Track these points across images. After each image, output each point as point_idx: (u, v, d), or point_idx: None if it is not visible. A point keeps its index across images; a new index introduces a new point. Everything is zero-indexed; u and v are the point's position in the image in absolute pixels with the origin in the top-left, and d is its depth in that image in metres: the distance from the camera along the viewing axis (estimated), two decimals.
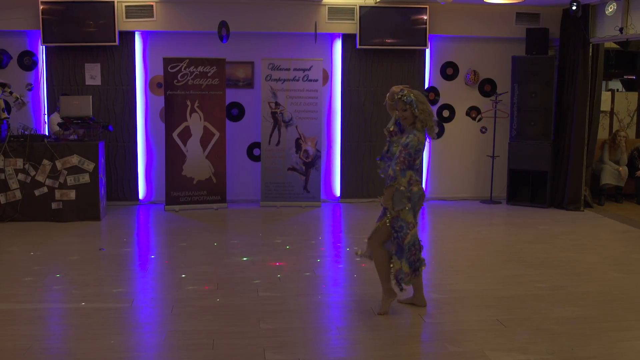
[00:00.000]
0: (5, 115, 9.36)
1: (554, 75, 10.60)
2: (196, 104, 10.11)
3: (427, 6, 10.56)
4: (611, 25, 9.68)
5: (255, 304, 5.64)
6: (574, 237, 8.68)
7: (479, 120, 11.34)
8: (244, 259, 7.18)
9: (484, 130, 11.35)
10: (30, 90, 10.34)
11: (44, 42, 10.02)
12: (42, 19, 9.88)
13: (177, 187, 10.17)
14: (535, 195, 10.85)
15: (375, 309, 5.56)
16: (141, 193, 10.75)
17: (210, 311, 5.48)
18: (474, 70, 11.19)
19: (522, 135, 10.76)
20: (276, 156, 10.35)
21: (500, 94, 11.01)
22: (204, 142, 10.22)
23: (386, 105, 5.64)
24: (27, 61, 10.30)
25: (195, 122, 10.15)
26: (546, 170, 10.63)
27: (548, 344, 4.80)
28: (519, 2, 9.48)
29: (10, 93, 9.38)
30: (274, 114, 10.38)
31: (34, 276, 6.52)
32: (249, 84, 10.73)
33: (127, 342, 4.88)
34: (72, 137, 9.29)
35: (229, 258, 7.18)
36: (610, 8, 9.57)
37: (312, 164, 10.51)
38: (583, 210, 10.44)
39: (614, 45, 11.69)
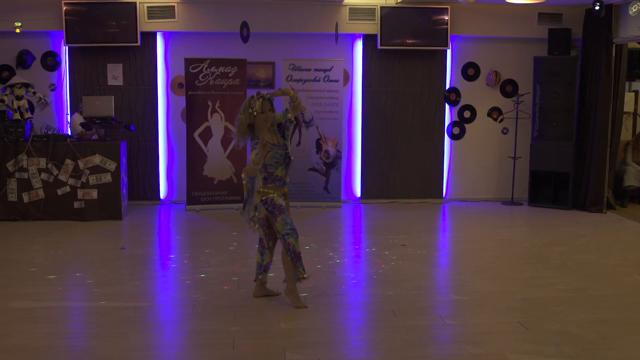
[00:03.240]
0: (28, 115, 9.46)
1: (576, 76, 10.53)
2: (217, 104, 10.15)
3: (449, 6, 10.52)
4: (635, 26, 9.58)
5: (276, 304, 5.65)
6: (596, 239, 8.61)
7: (501, 121, 11.28)
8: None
9: (505, 131, 11.29)
10: (53, 90, 10.43)
11: (67, 42, 10.11)
12: (65, 19, 9.97)
13: (198, 187, 10.21)
14: (557, 196, 10.77)
15: (395, 310, 5.54)
16: (162, 193, 10.81)
17: (230, 311, 5.50)
18: (496, 71, 11.13)
19: (544, 136, 10.69)
20: (297, 157, 10.33)
21: (522, 95, 10.94)
22: (225, 142, 10.25)
23: (255, 120, 5.49)
24: (50, 61, 10.40)
25: (216, 123, 10.19)
26: (568, 171, 10.56)
27: (569, 347, 4.76)
28: (541, 2, 9.42)
29: (34, 93, 9.49)
30: None
31: (56, 274, 6.57)
32: (269, 84, 10.74)
33: (148, 341, 4.90)
34: (94, 137, 9.36)
35: (249, 258, 7.19)
36: (634, 8, 9.47)
37: (332, 164, 10.51)
38: (605, 212, 10.35)
39: (638, 46, 11.57)
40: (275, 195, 5.57)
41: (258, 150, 5.33)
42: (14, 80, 9.40)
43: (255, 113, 5.39)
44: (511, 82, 11.21)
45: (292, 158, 5.65)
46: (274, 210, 5.56)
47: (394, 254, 7.57)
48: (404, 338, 4.93)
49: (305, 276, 5.61)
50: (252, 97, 5.47)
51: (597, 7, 9.38)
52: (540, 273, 6.81)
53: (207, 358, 4.55)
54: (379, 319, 5.44)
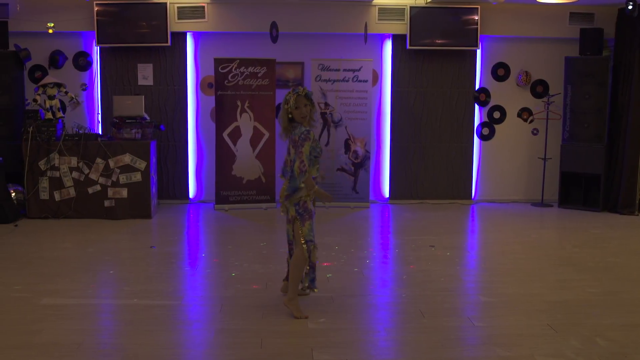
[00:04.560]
0: (60, 114, 9.58)
1: (608, 76, 10.41)
2: (246, 104, 10.19)
3: (479, 6, 10.46)
4: None
5: (304, 304, 5.64)
6: (627, 242, 8.50)
7: (531, 121, 11.19)
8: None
9: (535, 132, 11.20)
10: (84, 90, 10.55)
11: (98, 42, 10.23)
12: (97, 20, 10.08)
13: (226, 187, 10.26)
14: (587, 198, 10.66)
15: (424, 311, 5.52)
16: (191, 192, 10.88)
17: (258, 310, 5.51)
18: (526, 71, 11.05)
19: (574, 137, 10.59)
20: (325, 157, 10.34)
21: (552, 95, 10.85)
22: (254, 142, 10.29)
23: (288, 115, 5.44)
24: (82, 61, 10.52)
25: (246, 122, 10.23)
26: (599, 173, 10.44)
27: (600, 351, 4.70)
28: (572, 2, 9.32)
29: (66, 93, 9.61)
30: (323, 114, 10.39)
31: (87, 272, 6.64)
32: (299, 84, 10.76)
33: (177, 339, 4.93)
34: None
35: (278, 257, 7.21)
36: None
37: (361, 164, 10.50)
38: (637, 214, 10.23)
39: None
40: (308, 199, 5.45)
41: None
42: (47, 80, 9.52)
43: (289, 109, 5.36)
44: (542, 83, 11.12)
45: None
46: (304, 214, 5.42)
47: (422, 254, 7.54)
48: (432, 339, 4.91)
49: (314, 289, 5.60)
50: (289, 92, 5.44)
51: (630, 7, 9.26)
52: (571, 275, 6.74)
53: (235, 357, 4.57)
54: (406, 320, 5.42)
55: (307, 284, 5.58)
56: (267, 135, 10.27)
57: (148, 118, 9.90)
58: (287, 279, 5.82)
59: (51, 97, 9.44)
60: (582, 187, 10.67)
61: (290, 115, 5.41)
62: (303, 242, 5.40)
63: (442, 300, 5.89)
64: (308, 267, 5.50)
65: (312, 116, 5.51)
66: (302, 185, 5.35)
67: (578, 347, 4.76)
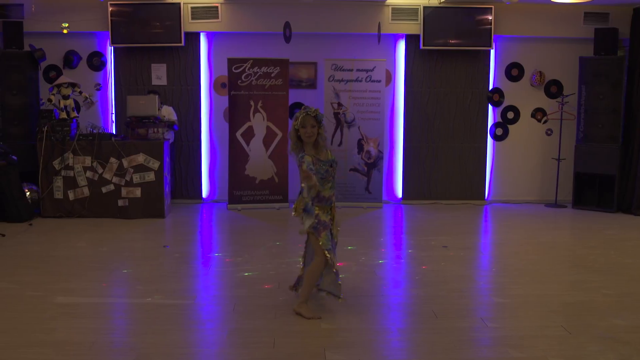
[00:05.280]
0: (74, 114, 9.63)
1: (623, 76, 10.35)
2: (259, 104, 10.20)
3: (492, 6, 10.43)
4: None
5: (316, 304, 5.64)
6: None
7: (545, 122, 11.14)
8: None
9: (549, 132, 11.15)
10: (98, 90, 10.60)
11: (113, 43, 10.28)
12: (111, 20, 10.13)
13: (239, 186, 10.27)
14: (602, 199, 10.60)
15: (437, 311, 5.51)
16: (205, 191, 10.91)
17: (271, 310, 5.51)
18: (540, 71, 11.00)
19: (589, 138, 10.53)
20: (338, 157, 10.26)
21: (566, 96, 10.80)
22: (267, 142, 10.30)
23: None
24: (96, 62, 10.57)
25: (259, 122, 10.24)
26: (614, 173, 10.38)
27: (614, 353, 4.67)
28: (587, 2, 9.27)
29: (80, 93, 9.66)
30: (336, 114, 10.39)
31: (101, 271, 6.67)
32: (312, 84, 10.77)
33: (190, 339, 4.94)
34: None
35: (290, 257, 7.21)
36: None
37: (374, 164, 10.49)
38: None
39: None
40: (320, 212, 5.31)
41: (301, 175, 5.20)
42: (61, 80, 9.58)
43: (296, 127, 5.22)
44: (556, 83, 11.07)
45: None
46: (319, 226, 5.30)
47: (435, 255, 7.52)
48: (445, 340, 4.90)
49: (340, 298, 5.51)
50: (301, 109, 5.29)
51: None
52: (584, 277, 6.71)
53: (248, 356, 4.57)
54: (419, 320, 5.40)
55: (339, 294, 5.49)
56: (280, 135, 10.27)
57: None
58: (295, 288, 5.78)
59: (65, 97, 9.49)
60: (596, 188, 10.61)
61: (299, 134, 5.27)
62: (325, 251, 5.29)
63: (455, 300, 5.87)
64: (334, 273, 5.45)
65: (321, 141, 5.32)
66: (304, 186, 5.27)
67: (592, 349, 4.74)
